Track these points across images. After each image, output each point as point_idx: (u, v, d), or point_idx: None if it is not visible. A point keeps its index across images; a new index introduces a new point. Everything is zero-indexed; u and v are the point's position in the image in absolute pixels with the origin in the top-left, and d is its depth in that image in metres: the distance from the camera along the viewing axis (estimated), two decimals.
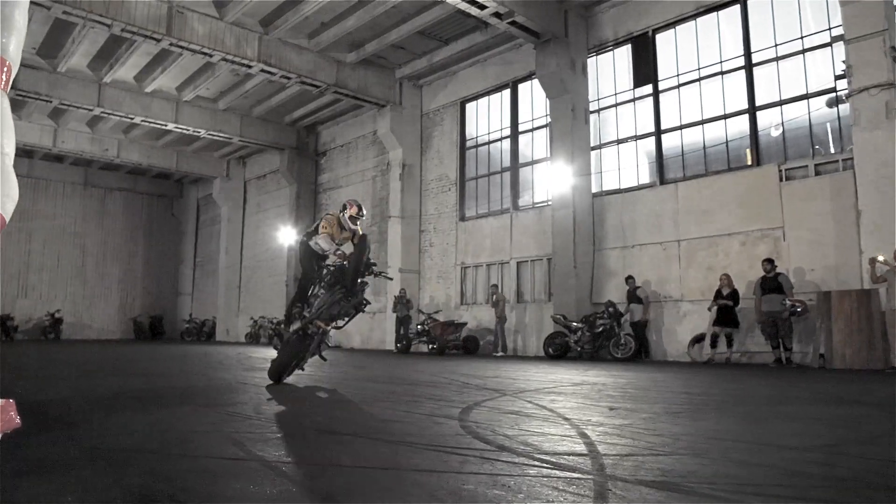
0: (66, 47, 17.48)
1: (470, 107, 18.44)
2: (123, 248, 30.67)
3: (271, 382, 6.57)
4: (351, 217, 6.79)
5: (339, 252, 6.47)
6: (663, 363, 12.45)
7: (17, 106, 21.93)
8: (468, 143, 18.34)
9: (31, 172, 28.08)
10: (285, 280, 23.19)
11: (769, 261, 11.04)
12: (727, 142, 12.91)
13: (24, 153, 26.93)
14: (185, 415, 4.44)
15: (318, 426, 3.98)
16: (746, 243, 12.18)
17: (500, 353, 15.55)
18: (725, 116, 12.94)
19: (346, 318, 6.64)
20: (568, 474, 2.61)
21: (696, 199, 13.03)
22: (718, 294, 11.75)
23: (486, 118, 17.96)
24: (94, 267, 29.76)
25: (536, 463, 2.85)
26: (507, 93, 17.38)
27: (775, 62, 12.29)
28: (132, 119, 20.54)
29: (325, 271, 6.67)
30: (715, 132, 13.14)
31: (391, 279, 7.35)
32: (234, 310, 26.92)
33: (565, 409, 4.88)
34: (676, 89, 13.83)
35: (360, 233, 6.93)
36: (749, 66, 12.62)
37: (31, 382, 6.88)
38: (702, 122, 13.33)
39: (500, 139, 17.51)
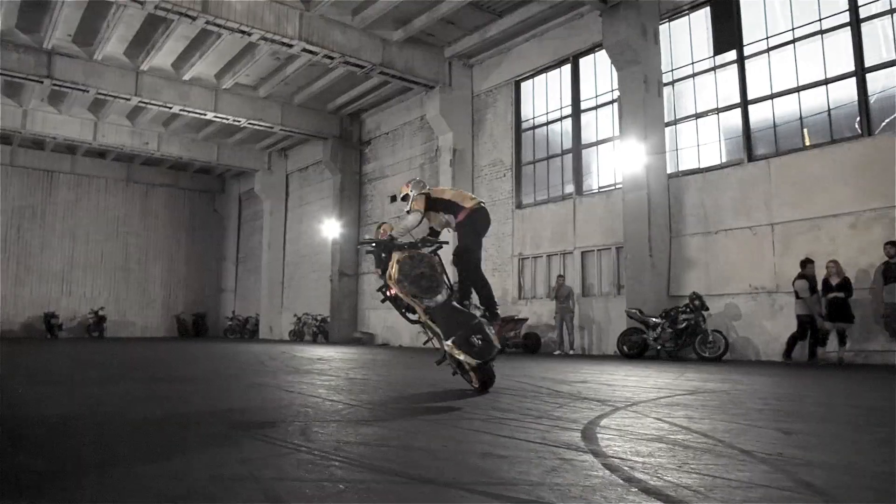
0: (101, 33, 16.70)
1: (525, 86, 17.05)
2: (166, 244, 30.19)
3: (320, 390, 5.39)
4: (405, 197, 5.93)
5: None
6: (756, 363, 10.92)
7: (56, 99, 21.48)
8: (524, 125, 16.97)
9: (73, 169, 27.80)
10: (329, 275, 22.18)
11: (893, 244, 9.43)
12: (829, 110, 11.26)
13: (66, 149, 26.66)
14: (210, 442, 3.24)
15: (394, 467, 2.73)
16: (857, 225, 10.54)
17: (558, 352, 14.18)
18: (827, 81, 11.29)
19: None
20: None
21: (793, 177, 11.42)
22: (826, 284, 10.17)
23: (544, 97, 16.55)
24: (137, 264, 29.33)
25: None
26: (566, 68, 15.95)
27: (890, 14, 10.60)
28: (170, 108, 19.75)
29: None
30: (814, 100, 11.51)
31: (445, 243, 6.02)
32: (277, 307, 26.10)
33: (723, 434, 3.55)
34: (765, 54, 12.22)
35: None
36: (856, 22, 10.95)
37: (39, 390, 5.84)
38: (797, 90, 11.69)
39: (560, 119, 16.09)
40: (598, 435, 3.51)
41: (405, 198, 5.86)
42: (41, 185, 27.21)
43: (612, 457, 2.89)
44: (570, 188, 15.57)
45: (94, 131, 23.09)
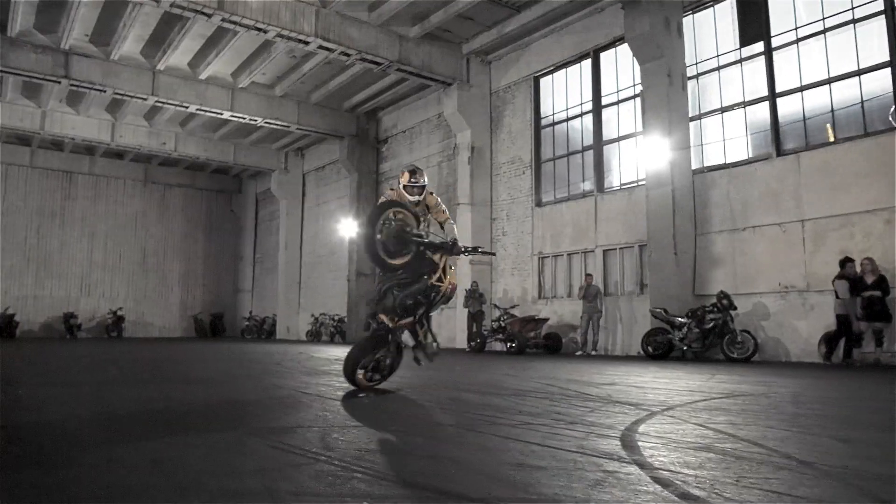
0: (118, 32, 16.65)
1: (545, 82, 16.76)
2: (183, 245, 30.22)
3: (339, 392, 5.17)
4: (405, 187, 5.53)
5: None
6: (787, 365, 10.55)
7: (74, 100, 21.51)
8: (543, 122, 16.67)
9: (92, 170, 27.90)
10: (346, 275, 22.01)
11: None
12: (862, 102, 10.86)
13: (85, 150, 26.75)
14: (223, 450, 3.03)
15: (421, 479, 2.49)
16: (893, 221, 10.14)
17: (580, 352, 13.89)
18: (860, 72, 10.88)
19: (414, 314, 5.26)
20: None
21: (825, 171, 11.04)
22: (861, 282, 9.79)
23: (564, 93, 16.24)
24: (155, 264, 29.38)
25: None
26: (586, 63, 15.63)
27: None
28: (187, 108, 19.69)
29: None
30: (846, 92, 11.11)
31: (493, 254, 6.02)
32: (294, 307, 25.99)
33: (775, 442, 3.27)
34: (794, 45, 11.84)
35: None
36: (891, 9, 10.54)
37: (48, 391, 5.67)
38: (828, 82, 11.30)
39: (580, 115, 15.77)
40: (640, 443, 3.25)
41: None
42: (60, 186, 27.34)
43: (660, 469, 2.64)
44: (590, 185, 15.25)
45: (112, 132, 23.12)
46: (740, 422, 4.03)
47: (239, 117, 20.55)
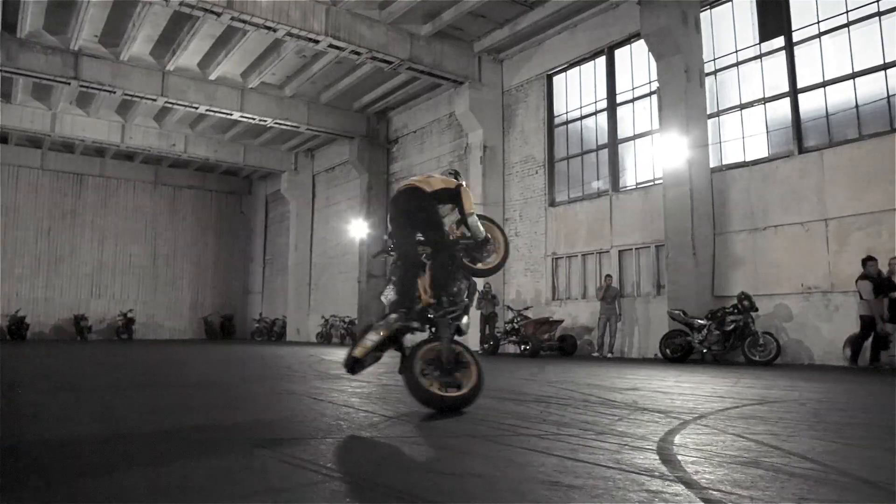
0: (127, 32, 16.55)
1: (558, 80, 16.49)
2: (193, 246, 30.14)
3: (353, 399, 4.94)
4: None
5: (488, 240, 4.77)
6: (811, 368, 10.24)
7: (84, 101, 21.46)
8: (557, 121, 16.40)
9: (102, 171, 27.89)
10: (357, 277, 21.81)
11: None
12: (889, 96, 10.54)
13: (95, 152, 26.74)
14: (231, 466, 2.80)
15: (450, 499, 2.25)
16: None
17: (597, 354, 13.63)
18: (886, 66, 10.57)
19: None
20: None
21: (849, 169, 10.72)
22: (888, 283, 9.47)
23: (577, 91, 15.97)
24: (166, 266, 29.32)
25: None
26: (601, 61, 15.36)
27: None
28: (197, 108, 19.57)
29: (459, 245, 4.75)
30: (871, 87, 10.79)
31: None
32: (304, 308, 25.82)
33: (827, 457, 3.01)
34: (817, 39, 11.53)
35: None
36: None
37: (50, 398, 5.49)
38: (853, 76, 10.99)
39: (595, 113, 15.50)
40: (679, 457, 3.00)
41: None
42: (71, 188, 27.33)
43: (709, 488, 2.39)
44: (605, 185, 14.97)
45: (122, 133, 23.06)
46: (781, 432, 3.77)
47: (249, 118, 20.42)
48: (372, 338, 4.37)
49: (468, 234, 4.69)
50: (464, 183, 4.87)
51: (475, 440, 3.43)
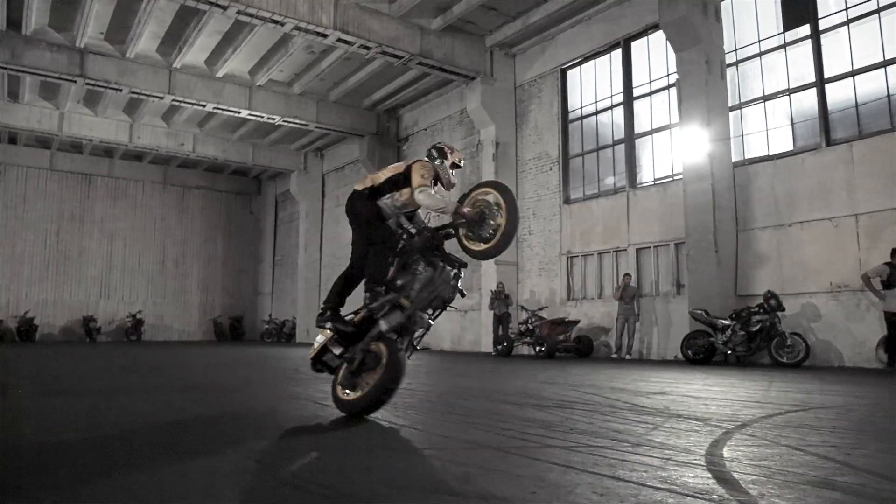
0: (133, 29, 16.27)
1: (572, 74, 16.06)
2: (202, 247, 29.90)
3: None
4: (454, 165, 4.53)
5: (458, 209, 4.26)
6: (841, 370, 9.76)
7: (92, 100, 21.24)
8: (571, 116, 15.96)
9: (111, 172, 27.70)
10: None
11: None
12: None
13: (104, 153, 26.57)
14: (226, 482, 2.42)
15: None
16: None
17: (615, 355, 13.20)
18: None
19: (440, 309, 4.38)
20: None
21: (881, 161, 10.21)
22: None
23: (592, 85, 15.53)
24: (174, 267, 29.09)
25: None
26: (616, 54, 14.92)
27: None
28: (204, 106, 19.27)
29: (419, 236, 4.34)
30: None
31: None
32: (314, 310, 25.36)
33: None
34: (845, 26, 11.05)
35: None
36: None
37: (49, 402, 5.14)
38: (883, 65, 10.50)
39: (610, 108, 15.05)
40: (735, 474, 2.59)
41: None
42: (80, 188, 27.15)
43: None
44: (622, 181, 14.52)
45: (130, 133, 22.82)
46: (840, 443, 3.35)
47: (257, 116, 20.12)
48: (319, 339, 4.30)
49: (465, 212, 4.20)
50: (427, 159, 4.49)
51: (497, 454, 3.03)
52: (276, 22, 14.03)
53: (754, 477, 2.55)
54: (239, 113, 19.88)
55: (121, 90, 18.18)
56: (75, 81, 17.55)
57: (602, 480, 2.45)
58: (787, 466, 2.74)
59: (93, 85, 17.86)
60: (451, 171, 4.52)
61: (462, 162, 4.62)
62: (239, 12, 13.68)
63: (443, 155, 4.51)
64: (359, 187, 4.49)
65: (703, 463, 2.82)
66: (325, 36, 14.70)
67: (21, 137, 24.40)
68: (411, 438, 3.51)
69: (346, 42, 15.05)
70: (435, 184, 4.42)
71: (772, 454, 3.03)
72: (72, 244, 26.78)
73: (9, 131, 22.99)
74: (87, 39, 16.73)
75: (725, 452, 3.06)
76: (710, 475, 2.58)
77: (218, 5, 13.36)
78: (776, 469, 2.68)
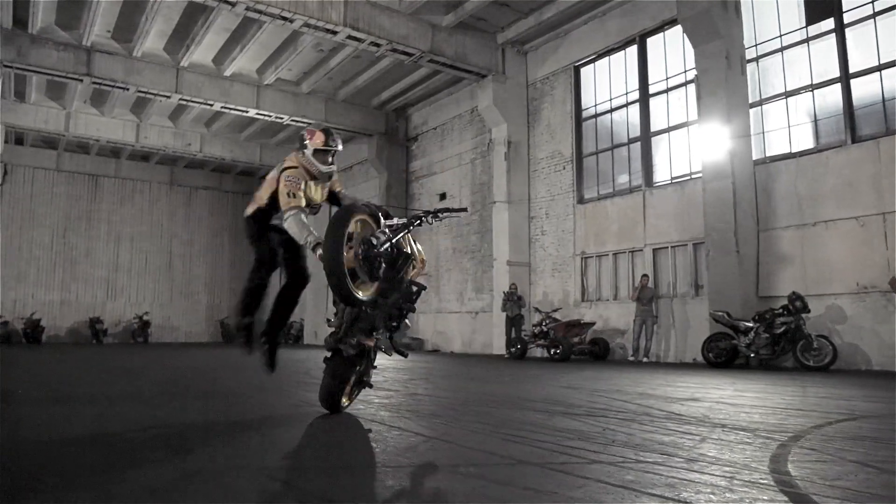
0: (140, 27, 16.05)
1: (586, 71, 15.77)
2: (209, 248, 29.68)
3: (381, 413, 4.29)
4: (318, 151, 4.18)
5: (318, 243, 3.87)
6: (872, 374, 9.44)
7: (98, 100, 21.07)
8: (585, 114, 15.66)
9: (118, 173, 27.52)
10: None
11: None
12: None
13: (111, 153, 26.40)
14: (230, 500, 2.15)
15: None
16: None
17: (632, 358, 12.90)
18: None
19: (398, 322, 4.20)
20: None
21: None
22: None
23: (607, 83, 15.24)
24: (181, 268, 28.89)
25: None
26: (632, 50, 14.61)
27: None
28: (212, 105, 19.06)
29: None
30: None
31: (464, 211, 4.81)
32: (321, 311, 25.20)
33: None
34: (871, 19, 10.73)
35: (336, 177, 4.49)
36: None
37: (49, 410, 4.89)
38: None
39: (625, 105, 14.75)
40: (815, 497, 2.30)
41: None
42: (87, 189, 26.98)
43: None
44: (637, 180, 14.22)
45: (137, 133, 22.65)
46: None
47: (265, 115, 19.90)
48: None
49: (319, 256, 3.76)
50: (289, 162, 4.20)
51: (541, 471, 2.74)
52: (284, 18, 13.79)
53: (836, 499, 2.27)
54: (247, 112, 19.68)
55: (128, 89, 17.99)
56: (82, 80, 17.37)
57: None
58: (870, 489, 2.46)
59: (99, 84, 17.67)
60: (314, 159, 4.19)
61: (333, 142, 4.22)
62: (247, 9, 13.46)
63: (303, 145, 4.21)
64: (248, 211, 4.40)
65: (772, 483, 2.53)
66: (334, 33, 14.46)
67: (28, 138, 24.25)
68: (443, 453, 3.23)
69: (355, 39, 14.80)
70: (311, 179, 4.24)
71: (842, 472, 2.74)
72: (78, 245, 26.60)
73: (15, 132, 22.82)
74: (94, 38, 16.54)
75: (792, 470, 2.78)
76: (786, 499, 2.30)
77: (226, 2, 13.14)
78: (858, 491, 2.40)
